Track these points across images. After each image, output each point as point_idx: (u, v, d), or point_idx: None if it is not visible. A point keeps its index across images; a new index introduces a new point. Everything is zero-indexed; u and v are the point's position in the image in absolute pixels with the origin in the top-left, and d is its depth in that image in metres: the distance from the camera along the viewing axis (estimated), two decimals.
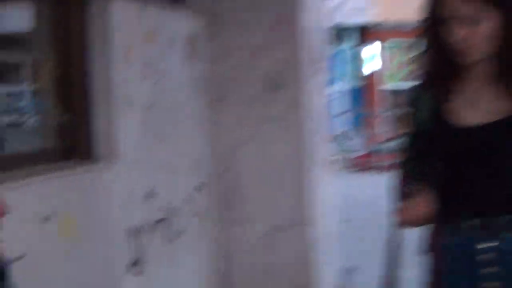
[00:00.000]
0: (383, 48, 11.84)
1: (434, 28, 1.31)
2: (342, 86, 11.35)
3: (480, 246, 1.33)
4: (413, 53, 1.47)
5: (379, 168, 9.53)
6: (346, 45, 11.38)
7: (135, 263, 2.86)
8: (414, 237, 1.48)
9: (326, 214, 3.98)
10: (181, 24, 3.46)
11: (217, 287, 3.67)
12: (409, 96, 1.48)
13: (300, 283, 3.59)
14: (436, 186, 1.38)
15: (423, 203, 1.33)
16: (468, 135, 1.35)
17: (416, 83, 1.46)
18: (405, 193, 1.40)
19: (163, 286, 3.17)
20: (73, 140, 2.69)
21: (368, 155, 10.93)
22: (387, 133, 11.02)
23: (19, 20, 3.16)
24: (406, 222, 1.39)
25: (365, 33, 11.65)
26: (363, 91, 11.73)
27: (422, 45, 1.38)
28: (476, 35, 1.29)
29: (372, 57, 11.79)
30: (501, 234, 1.33)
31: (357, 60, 11.71)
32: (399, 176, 1.46)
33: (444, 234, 1.41)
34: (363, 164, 10.62)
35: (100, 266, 2.65)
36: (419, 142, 1.42)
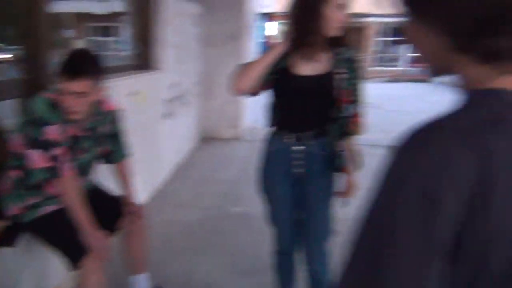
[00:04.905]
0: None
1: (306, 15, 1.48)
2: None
3: (293, 148, 1.66)
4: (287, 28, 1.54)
5: None
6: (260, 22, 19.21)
7: (168, 114, 4.24)
8: None
9: None
10: (191, 8, 4.86)
11: (197, 128, 5.53)
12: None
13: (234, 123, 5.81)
14: (275, 115, 1.67)
15: None
16: (301, 81, 1.56)
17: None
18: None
19: (179, 124, 4.69)
20: (143, 61, 3.81)
21: None
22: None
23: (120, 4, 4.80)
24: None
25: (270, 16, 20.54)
26: (266, 43, 21.08)
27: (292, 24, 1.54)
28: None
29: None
30: (307, 142, 1.64)
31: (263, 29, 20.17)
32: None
33: (272, 144, 1.72)
34: None
35: (155, 114, 3.83)
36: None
